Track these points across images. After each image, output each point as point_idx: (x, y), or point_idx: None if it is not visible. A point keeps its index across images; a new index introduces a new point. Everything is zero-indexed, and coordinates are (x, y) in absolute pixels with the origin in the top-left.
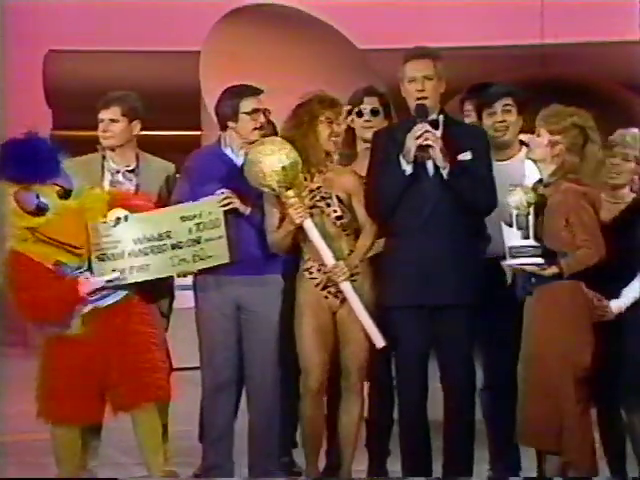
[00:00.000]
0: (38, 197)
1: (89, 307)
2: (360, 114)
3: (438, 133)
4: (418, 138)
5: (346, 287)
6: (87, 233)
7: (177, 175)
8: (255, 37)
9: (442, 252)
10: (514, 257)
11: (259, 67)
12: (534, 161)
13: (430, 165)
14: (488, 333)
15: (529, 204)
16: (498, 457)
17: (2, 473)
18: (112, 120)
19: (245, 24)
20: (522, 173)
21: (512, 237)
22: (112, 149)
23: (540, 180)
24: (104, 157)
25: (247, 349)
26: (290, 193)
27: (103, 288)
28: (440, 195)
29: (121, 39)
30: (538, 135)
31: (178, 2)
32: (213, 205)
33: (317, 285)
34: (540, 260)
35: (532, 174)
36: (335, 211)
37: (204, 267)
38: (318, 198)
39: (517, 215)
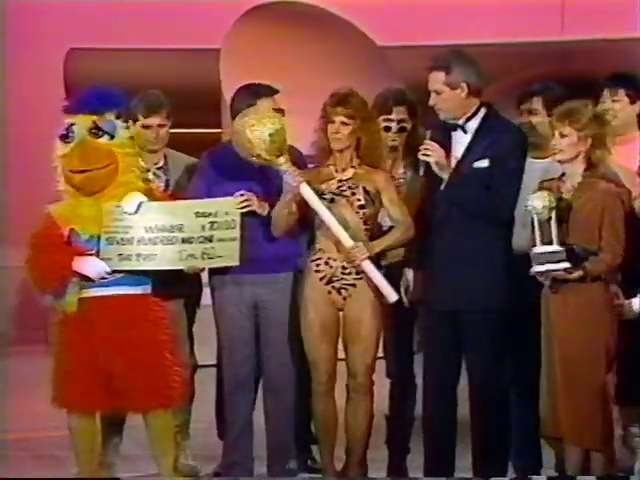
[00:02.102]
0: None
1: (101, 293)
2: (388, 128)
3: (466, 138)
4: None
5: (367, 266)
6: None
7: None
8: (276, 35)
9: (458, 257)
10: (541, 264)
11: (280, 65)
12: (562, 162)
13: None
14: (510, 332)
15: (551, 209)
16: (519, 454)
17: (24, 470)
18: (160, 125)
19: (265, 22)
20: (556, 172)
21: (535, 243)
22: (154, 151)
23: (561, 175)
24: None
25: (264, 347)
26: (282, 160)
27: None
28: (451, 201)
29: (141, 37)
30: (562, 135)
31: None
32: (230, 206)
33: (322, 279)
34: (566, 265)
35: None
36: (359, 200)
37: (212, 266)
38: (345, 187)
39: (539, 220)
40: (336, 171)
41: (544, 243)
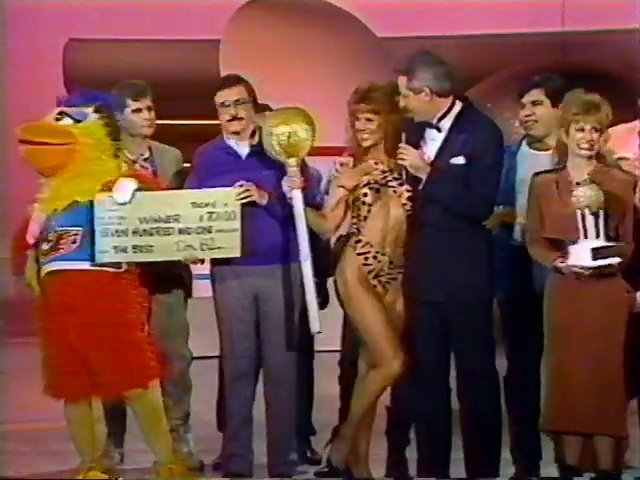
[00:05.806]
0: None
1: (56, 267)
2: None
3: (440, 136)
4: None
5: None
6: None
7: (185, 164)
8: (275, 26)
9: (436, 248)
10: (597, 259)
11: (279, 56)
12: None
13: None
14: (511, 323)
15: (599, 202)
16: (518, 446)
17: (23, 462)
18: (150, 108)
19: (265, 12)
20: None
21: (587, 237)
22: (146, 137)
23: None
24: (118, 148)
25: (265, 338)
26: (291, 162)
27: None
28: (430, 199)
29: (140, 28)
30: (581, 130)
31: None
32: (230, 197)
33: (370, 272)
34: (618, 259)
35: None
36: (408, 190)
37: (212, 257)
38: (390, 178)
39: (591, 214)
40: (375, 163)
41: (596, 237)
